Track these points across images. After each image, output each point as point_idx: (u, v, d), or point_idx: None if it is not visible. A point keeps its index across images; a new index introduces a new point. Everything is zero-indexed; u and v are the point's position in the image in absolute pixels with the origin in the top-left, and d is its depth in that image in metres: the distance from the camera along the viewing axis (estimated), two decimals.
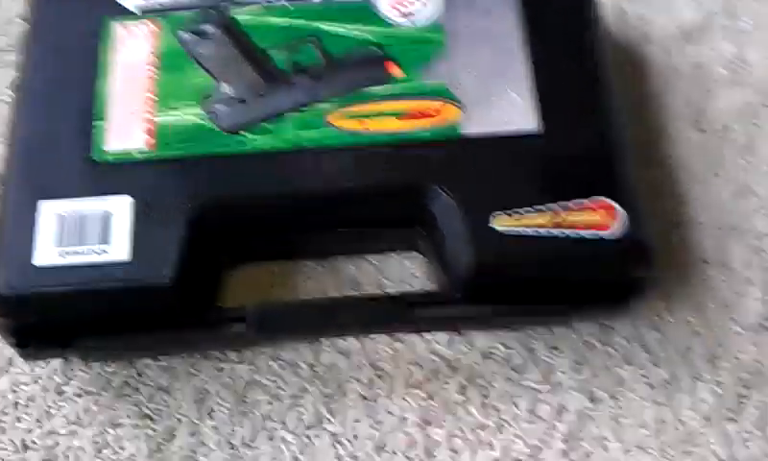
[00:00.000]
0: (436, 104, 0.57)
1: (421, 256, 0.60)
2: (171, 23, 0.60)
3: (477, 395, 0.57)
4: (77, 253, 0.53)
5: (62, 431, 0.56)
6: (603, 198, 0.54)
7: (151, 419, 0.56)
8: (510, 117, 0.57)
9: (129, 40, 0.59)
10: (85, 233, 0.53)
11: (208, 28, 0.59)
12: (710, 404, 0.57)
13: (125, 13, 0.60)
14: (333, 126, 0.57)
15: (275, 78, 0.58)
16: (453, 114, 0.57)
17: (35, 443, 0.56)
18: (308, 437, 0.56)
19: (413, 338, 0.58)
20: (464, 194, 0.54)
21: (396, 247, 0.60)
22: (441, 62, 0.59)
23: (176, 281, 0.52)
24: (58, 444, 0.56)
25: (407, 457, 0.55)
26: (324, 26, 0.60)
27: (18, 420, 0.57)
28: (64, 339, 0.54)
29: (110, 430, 0.56)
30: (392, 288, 0.59)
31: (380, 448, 0.55)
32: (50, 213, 0.54)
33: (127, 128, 0.56)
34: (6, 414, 0.57)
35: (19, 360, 0.58)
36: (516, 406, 0.57)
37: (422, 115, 0.57)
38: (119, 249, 0.53)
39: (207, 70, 0.58)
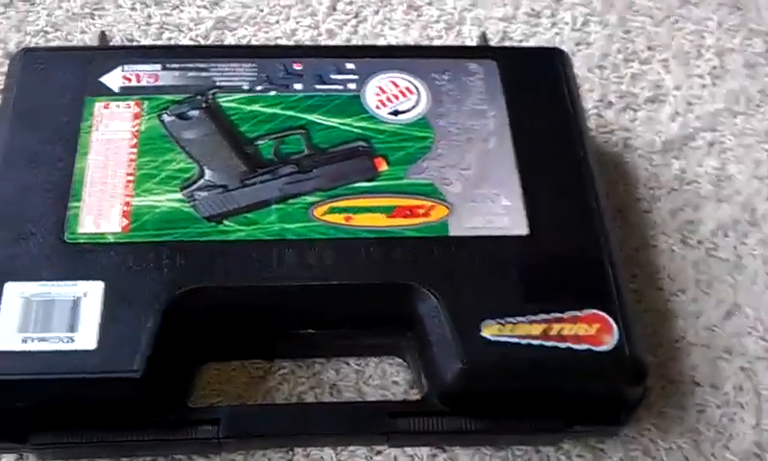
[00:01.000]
0: (424, 202, 0.56)
1: (403, 362, 0.57)
2: (153, 104, 0.58)
3: None
4: (41, 339, 0.50)
5: None
6: (597, 311, 0.53)
7: None
8: (498, 219, 0.56)
9: (109, 120, 0.58)
10: (52, 319, 0.50)
11: (193, 112, 0.58)
12: None
13: (107, 93, 0.59)
14: (318, 219, 0.55)
15: (259, 166, 0.56)
16: (441, 214, 0.56)
17: None
18: None
19: (393, 451, 0.55)
20: (453, 298, 0.52)
21: (377, 351, 0.58)
22: (428, 160, 0.58)
23: (145, 375, 0.49)
24: None
25: None
26: (312, 117, 0.59)
27: None
28: (21, 432, 0.50)
29: None
30: (372, 395, 0.57)
31: None
32: (15, 295, 0.51)
33: (102, 209, 0.54)
34: None
35: None
36: None
37: (410, 213, 0.55)
38: (86, 337, 0.50)
39: (190, 155, 0.56)
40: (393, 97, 0.60)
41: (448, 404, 0.52)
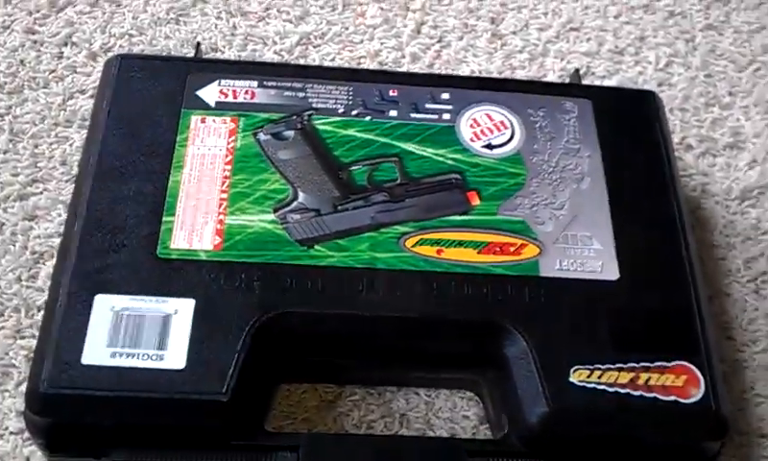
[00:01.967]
0: (515, 240, 0.55)
1: (472, 396, 0.57)
2: (248, 122, 0.58)
3: None
4: (130, 355, 0.49)
5: None
6: (685, 362, 0.52)
7: None
8: (589, 262, 0.55)
9: (206, 135, 0.57)
10: (142, 335, 0.50)
11: (289, 133, 0.57)
12: None
13: (203, 107, 0.58)
14: (409, 250, 0.54)
15: (352, 192, 0.56)
16: (532, 253, 0.55)
17: None
18: None
19: None
20: (542, 340, 0.52)
21: (454, 385, 0.57)
22: (520, 197, 0.57)
23: (232, 398, 0.49)
24: None
25: None
26: (406, 146, 0.58)
27: None
28: (100, 448, 0.50)
29: None
30: (441, 427, 0.56)
31: None
32: (106, 309, 0.50)
33: (196, 226, 0.54)
34: None
35: None
36: None
37: (501, 250, 0.55)
38: (176, 356, 0.49)
39: (284, 176, 0.56)
40: (487, 130, 0.59)
41: (529, 447, 0.52)
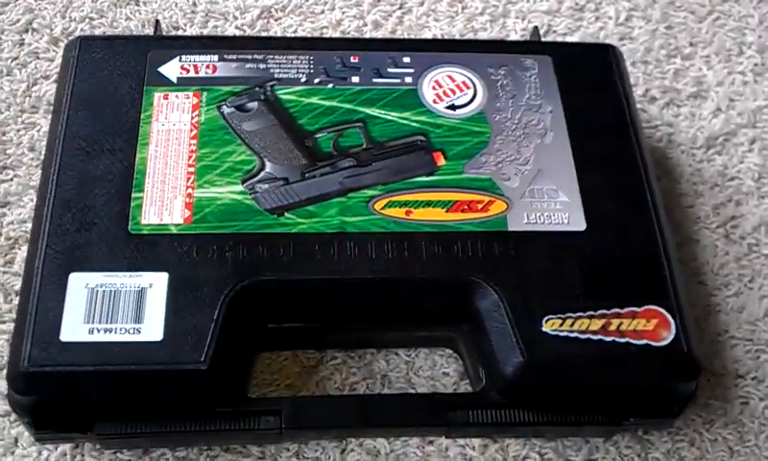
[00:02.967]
0: (483, 197, 0.56)
1: (453, 353, 0.57)
2: (211, 96, 0.58)
3: None
4: (107, 330, 0.50)
5: None
6: (654, 306, 0.53)
7: None
8: (556, 214, 0.56)
9: (169, 111, 0.57)
10: (118, 310, 0.50)
11: (252, 104, 0.58)
12: None
13: (166, 83, 0.58)
14: (378, 213, 0.55)
15: (319, 160, 0.56)
16: (500, 209, 0.56)
17: None
18: None
19: (445, 442, 0.56)
20: (513, 293, 0.53)
21: (430, 343, 0.58)
22: (486, 155, 0.58)
23: (211, 366, 0.49)
24: None
25: None
26: (370, 111, 0.59)
27: None
28: (85, 422, 0.50)
29: None
30: (423, 386, 0.57)
31: None
32: (81, 286, 0.51)
33: (165, 201, 0.54)
34: None
35: (26, 441, 0.54)
36: None
37: (469, 208, 0.56)
38: (153, 329, 0.50)
39: (250, 147, 0.56)
40: (449, 91, 0.60)
41: (507, 397, 0.52)
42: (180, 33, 0.71)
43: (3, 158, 0.64)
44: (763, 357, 0.60)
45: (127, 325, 0.50)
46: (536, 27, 0.68)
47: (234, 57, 0.60)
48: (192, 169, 0.55)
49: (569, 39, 0.74)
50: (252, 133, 0.57)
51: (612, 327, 0.52)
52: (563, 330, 0.52)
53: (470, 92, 0.60)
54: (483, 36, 0.73)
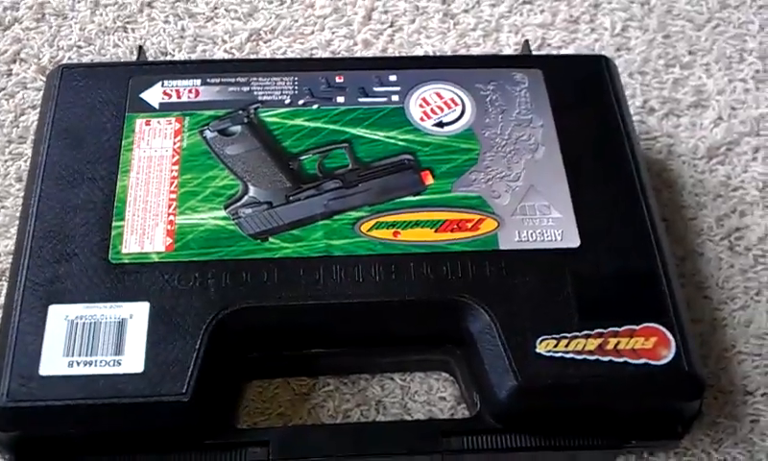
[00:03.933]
0: (473, 215, 0.55)
1: (450, 377, 0.56)
2: (194, 120, 0.57)
3: None
4: (87, 363, 0.49)
5: None
6: (653, 324, 0.52)
7: None
8: (549, 231, 0.55)
9: (151, 137, 0.57)
10: (98, 342, 0.49)
11: (235, 128, 0.57)
12: None
13: (148, 109, 0.58)
14: (365, 235, 0.54)
15: (304, 182, 0.55)
16: (490, 227, 0.54)
17: None
18: None
19: None
20: (505, 313, 0.51)
21: (425, 367, 0.57)
22: (475, 172, 0.57)
23: (193, 397, 0.48)
24: None
25: None
26: (356, 131, 0.58)
27: None
28: (67, 457, 0.49)
29: None
30: (418, 411, 0.55)
31: None
32: (60, 319, 0.50)
33: (146, 229, 0.53)
34: None
35: None
36: None
37: (458, 227, 0.54)
38: (133, 360, 0.49)
39: (233, 171, 0.55)
40: (437, 108, 0.59)
41: (502, 422, 0.51)
42: (168, 58, 0.70)
43: None
44: None
45: (107, 357, 0.49)
46: (526, 40, 0.67)
47: (217, 80, 0.59)
48: (174, 195, 0.54)
49: (564, 52, 0.72)
50: (236, 157, 0.56)
51: (609, 347, 0.51)
52: (558, 351, 0.50)
53: (459, 109, 0.59)
54: (476, 51, 0.72)
